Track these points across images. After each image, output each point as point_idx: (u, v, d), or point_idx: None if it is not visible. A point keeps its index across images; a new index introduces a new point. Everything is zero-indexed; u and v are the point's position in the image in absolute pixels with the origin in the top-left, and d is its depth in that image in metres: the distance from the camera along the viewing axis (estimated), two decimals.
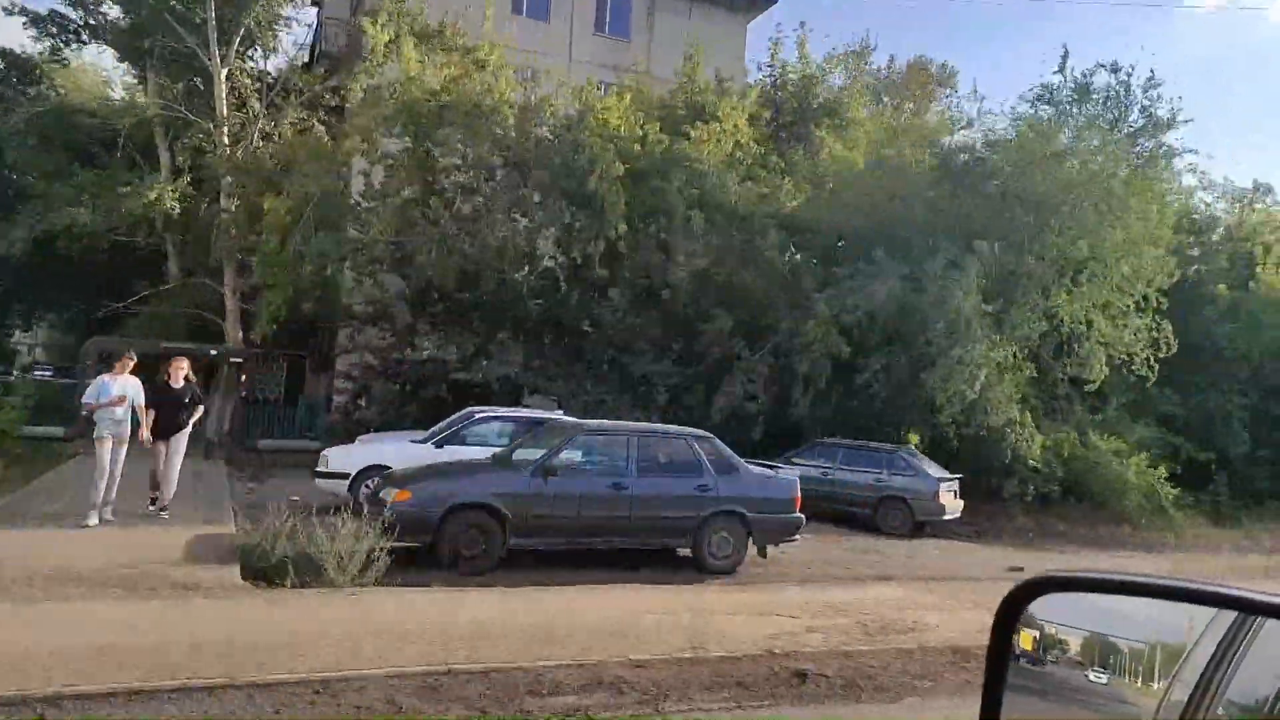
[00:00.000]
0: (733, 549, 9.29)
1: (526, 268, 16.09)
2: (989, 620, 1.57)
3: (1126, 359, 16.56)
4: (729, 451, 9.72)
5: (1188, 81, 65.14)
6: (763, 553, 9.73)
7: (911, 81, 36.70)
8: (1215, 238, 21.80)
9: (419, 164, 17.11)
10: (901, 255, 15.55)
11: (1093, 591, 1.63)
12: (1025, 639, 1.61)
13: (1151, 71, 22.57)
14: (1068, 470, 16.11)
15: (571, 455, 9.10)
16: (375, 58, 18.67)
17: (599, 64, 23.57)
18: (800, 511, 9.73)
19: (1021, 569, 10.35)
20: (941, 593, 8.85)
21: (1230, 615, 1.46)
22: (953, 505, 13.85)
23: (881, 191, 16.77)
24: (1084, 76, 23.10)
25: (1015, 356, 16.08)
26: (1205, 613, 1.48)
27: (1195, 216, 21.64)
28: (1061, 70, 23.07)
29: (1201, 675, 1.48)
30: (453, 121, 16.64)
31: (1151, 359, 16.94)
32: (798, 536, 9.76)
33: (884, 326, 15.74)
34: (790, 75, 21.99)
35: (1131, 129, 23.17)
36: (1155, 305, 17.04)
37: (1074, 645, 1.61)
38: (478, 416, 11.98)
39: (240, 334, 20.65)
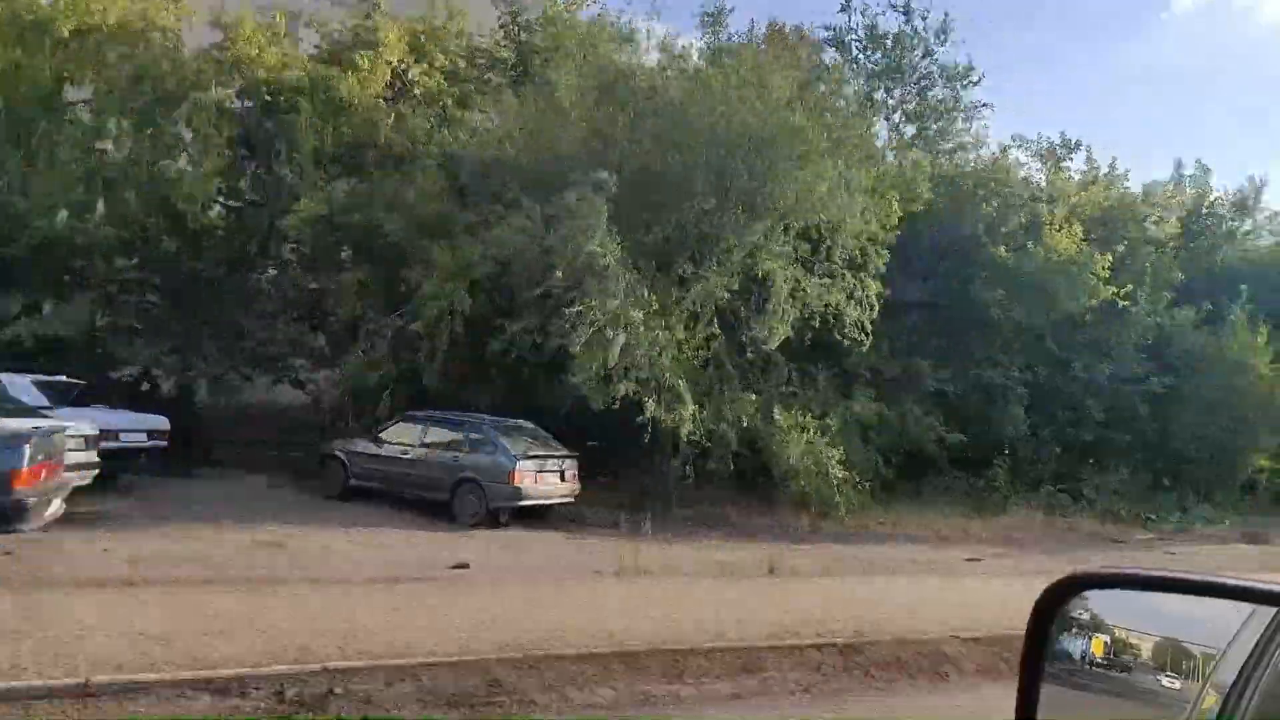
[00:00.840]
0: None
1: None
2: None
3: (832, 321, 14.27)
4: None
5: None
6: None
7: (773, 46, 34.56)
8: (1010, 194, 19.54)
9: None
10: (545, 195, 13.14)
11: (1128, 588, 1.64)
12: (1097, 644, 1.63)
13: (945, 15, 20.07)
14: (754, 450, 13.78)
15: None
16: None
17: None
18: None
19: (466, 564, 7.94)
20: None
21: (1269, 611, 1.45)
22: (546, 489, 11.46)
23: (544, 121, 14.33)
24: (871, 19, 20.99)
25: (694, 318, 13.76)
26: (1243, 608, 1.49)
27: (977, 171, 19.40)
28: (846, 9, 20.92)
29: (1240, 671, 1.47)
30: None
31: (864, 323, 14.67)
32: None
33: (531, 280, 13.29)
34: (528, 15, 19.52)
35: (921, 77, 21.06)
36: (868, 263, 14.80)
37: (1113, 644, 1.62)
38: None
39: None
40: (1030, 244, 18.55)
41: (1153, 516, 16.95)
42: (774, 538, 12.27)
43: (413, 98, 16.06)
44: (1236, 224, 22.55)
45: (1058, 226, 18.89)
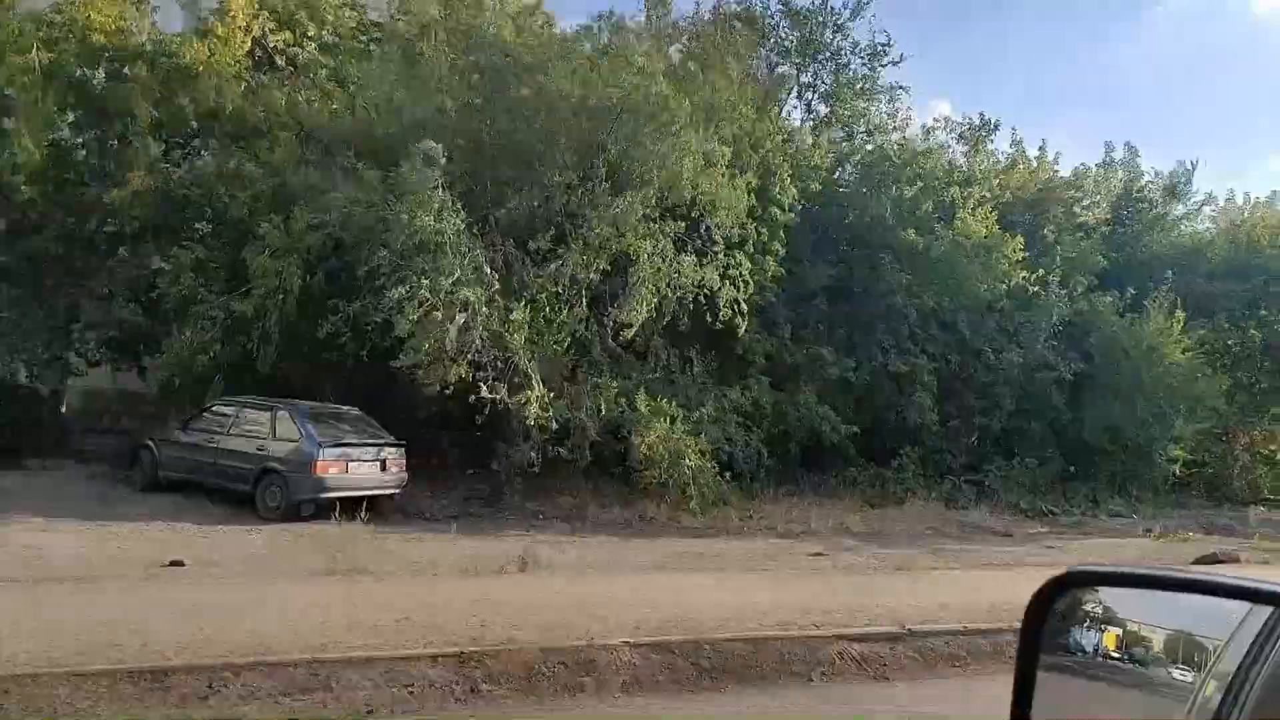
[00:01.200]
0: None
1: None
2: None
3: (704, 303, 13.49)
4: None
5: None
6: None
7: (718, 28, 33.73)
8: (925, 176, 18.75)
9: None
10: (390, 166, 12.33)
11: (1119, 586, 1.70)
12: (1109, 638, 1.66)
13: None
14: (618, 439, 13.01)
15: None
16: None
17: None
18: None
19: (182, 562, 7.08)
20: None
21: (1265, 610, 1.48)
22: (359, 479, 10.66)
23: (397, 89, 13.50)
24: None
25: (557, 298, 12.98)
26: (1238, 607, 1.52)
27: (890, 152, 18.59)
28: None
29: (1240, 663, 1.50)
30: None
31: (739, 303, 13.91)
32: None
33: (368, 256, 12.44)
34: None
35: (834, 54, 20.24)
36: (746, 241, 14.03)
37: (1125, 637, 1.65)
38: None
39: None
40: (939, 227, 17.82)
41: (1054, 510, 16.25)
42: (616, 530, 11.52)
43: (278, 70, 15.23)
44: (1166, 209, 21.82)
45: (971, 209, 18.17)
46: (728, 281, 13.68)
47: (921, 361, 17.83)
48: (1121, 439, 17.80)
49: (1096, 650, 1.64)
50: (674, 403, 12.92)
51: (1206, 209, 22.81)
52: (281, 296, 12.06)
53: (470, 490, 12.78)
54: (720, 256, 13.69)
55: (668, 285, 13.04)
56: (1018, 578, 8.41)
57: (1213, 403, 18.58)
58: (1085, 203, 21.99)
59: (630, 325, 12.76)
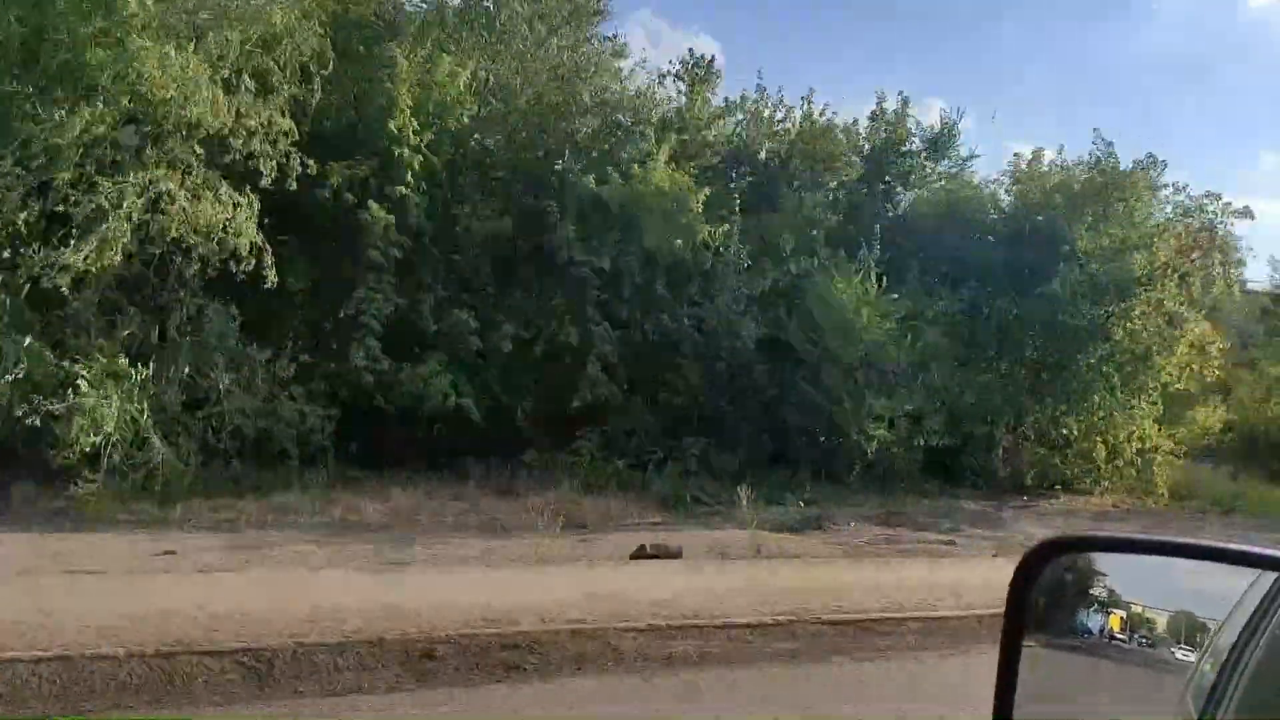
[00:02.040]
0: None
1: None
2: None
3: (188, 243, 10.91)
4: None
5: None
6: None
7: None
8: (610, 115, 16.30)
9: None
10: None
11: (1108, 551, 1.74)
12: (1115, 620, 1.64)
13: None
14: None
15: None
16: None
17: None
18: None
19: None
20: None
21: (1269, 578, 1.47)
22: None
23: None
24: None
25: None
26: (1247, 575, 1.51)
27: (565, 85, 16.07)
28: None
29: (1236, 639, 1.49)
30: None
31: (255, 245, 11.36)
32: None
33: None
34: None
35: None
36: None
37: (1129, 618, 1.62)
38: None
39: None
40: (615, 174, 15.37)
41: (703, 498, 13.91)
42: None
43: None
44: (929, 167, 19.58)
45: (666, 158, 15.75)
46: (236, 223, 11.08)
47: (601, 330, 15.43)
48: (820, 419, 15.51)
49: (1113, 630, 1.59)
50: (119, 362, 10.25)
51: (999, 170, 20.71)
52: None
53: None
54: (223, 191, 11.08)
55: (131, 221, 10.41)
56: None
57: (940, 381, 16.42)
58: (842, 159, 19.62)
59: (65, 272, 10.09)
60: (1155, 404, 18.99)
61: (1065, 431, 19.21)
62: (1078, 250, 18.47)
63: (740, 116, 18.88)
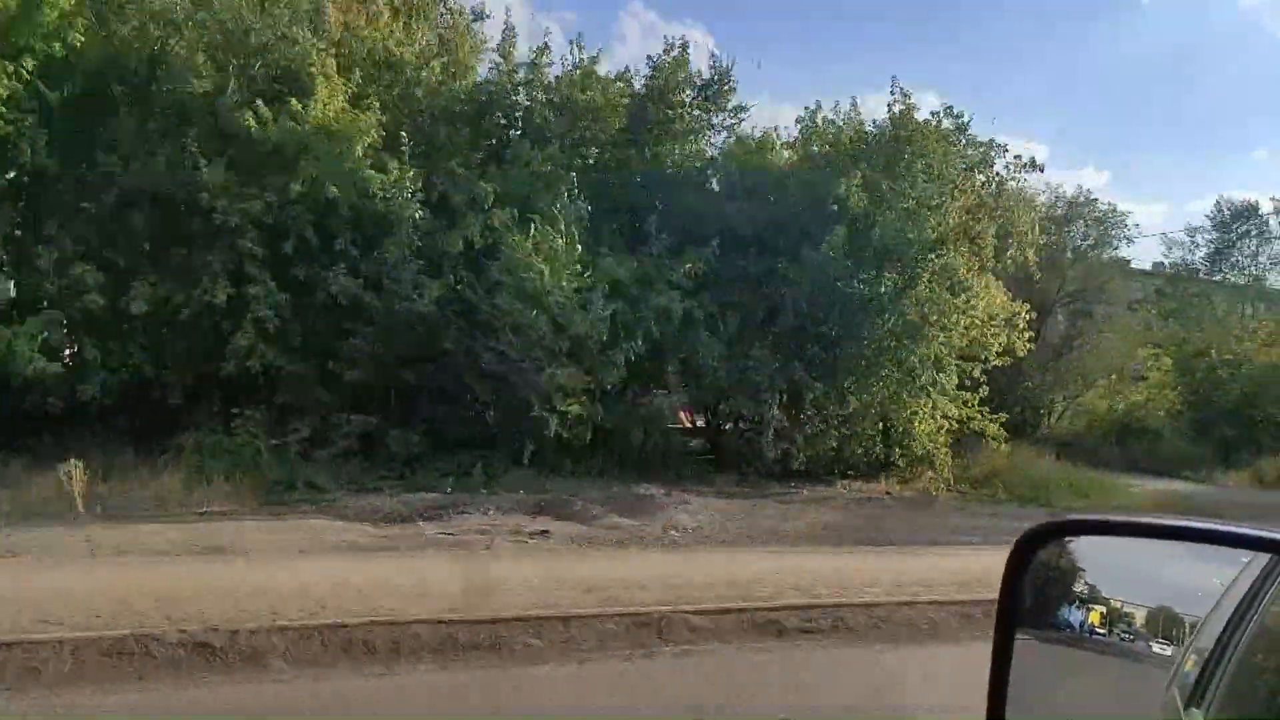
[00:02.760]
0: None
1: None
2: None
3: None
4: None
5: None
6: None
7: None
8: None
9: None
10: None
11: (1110, 535, 1.68)
12: (1094, 615, 1.65)
13: None
14: None
15: None
16: None
17: None
18: None
19: None
20: None
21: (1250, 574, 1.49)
22: None
23: None
24: None
25: None
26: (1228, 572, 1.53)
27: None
28: None
29: (1221, 631, 1.51)
30: None
31: None
32: None
33: None
34: None
35: None
36: None
37: (1109, 613, 1.61)
38: None
39: None
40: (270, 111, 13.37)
41: (318, 484, 12.11)
42: None
43: None
44: (703, 118, 17.66)
45: (330, 92, 13.75)
46: None
47: (259, 290, 13.54)
48: (508, 395, 13.69)
49: (1094, 625, 1.58)
50: None
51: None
52: None
53: None
54: None
55: None
56: None
57: (685, 352, 14.73)
58: (613, 109, 17.68)
59: None
60: (935, 382, 17.30)
61: (846, 412, 17.52)
62: (850, 209, 16.68)
63: (497, 62, 16.90)
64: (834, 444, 17.28)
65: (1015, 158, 17.32)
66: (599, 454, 14.96)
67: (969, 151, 17.39)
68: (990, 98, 57.49)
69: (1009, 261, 18.48)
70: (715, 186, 17.18)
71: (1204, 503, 17.97)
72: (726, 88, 17.53)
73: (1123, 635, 1.57)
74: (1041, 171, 17.66)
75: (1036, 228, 18.76)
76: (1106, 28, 65.28)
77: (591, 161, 16.55)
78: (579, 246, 13.78)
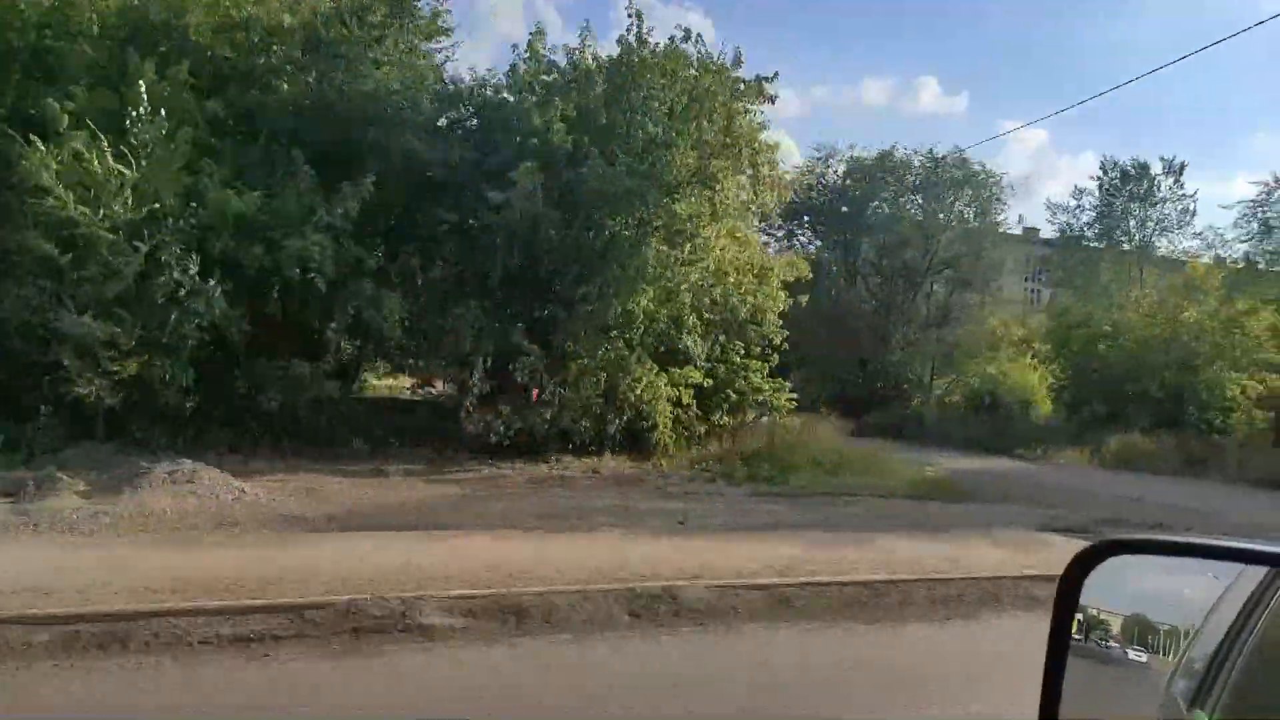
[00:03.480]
0: None
1: None
2: None
3: None
4: None
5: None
6: None
7: None
8: None
9: None
10: None
11: (1166, 554, 1.59)
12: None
13: None
14: None
15: None
16: None
17: None
18: None
19: None
20: None
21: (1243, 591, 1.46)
22: None
23: None
24: None
25: None
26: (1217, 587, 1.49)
27: None
28: None
29: (1219, 644, 1.48)
30: None
31: None
32: None
33: None
34: None
35: None
36: None
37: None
38: None
39: None
40: None
41: None
42: None
43: None
44: (389, 39, 15.13)
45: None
46: None
47: None
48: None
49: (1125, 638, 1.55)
50: None
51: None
52: None
53: None
54: None
55: None
56: None
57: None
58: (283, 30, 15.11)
59: None
60: (664, 346, 14.85)
61: (563, 378, 15.05)
62: (553, 146, 14.20)
63: None
64: (549, 415, 14.79)
65: (744, 84, 14.65)
66: (213, 425, 12.54)
67: (706, 82, 14.82)
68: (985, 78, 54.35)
69: (754, 209, 15.99)
70: (402, 120, 14.61)
71: (987, 482, 15.43)
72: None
73: (1161, 652, 1.52)
74: (773, 102, 15.09)
75: (778, 168, 16.20)
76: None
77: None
78: (145, 166, 11.27)
